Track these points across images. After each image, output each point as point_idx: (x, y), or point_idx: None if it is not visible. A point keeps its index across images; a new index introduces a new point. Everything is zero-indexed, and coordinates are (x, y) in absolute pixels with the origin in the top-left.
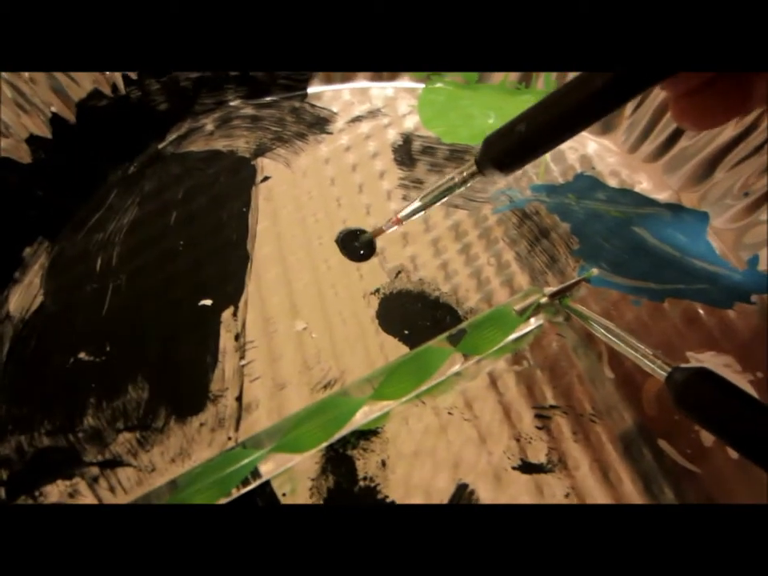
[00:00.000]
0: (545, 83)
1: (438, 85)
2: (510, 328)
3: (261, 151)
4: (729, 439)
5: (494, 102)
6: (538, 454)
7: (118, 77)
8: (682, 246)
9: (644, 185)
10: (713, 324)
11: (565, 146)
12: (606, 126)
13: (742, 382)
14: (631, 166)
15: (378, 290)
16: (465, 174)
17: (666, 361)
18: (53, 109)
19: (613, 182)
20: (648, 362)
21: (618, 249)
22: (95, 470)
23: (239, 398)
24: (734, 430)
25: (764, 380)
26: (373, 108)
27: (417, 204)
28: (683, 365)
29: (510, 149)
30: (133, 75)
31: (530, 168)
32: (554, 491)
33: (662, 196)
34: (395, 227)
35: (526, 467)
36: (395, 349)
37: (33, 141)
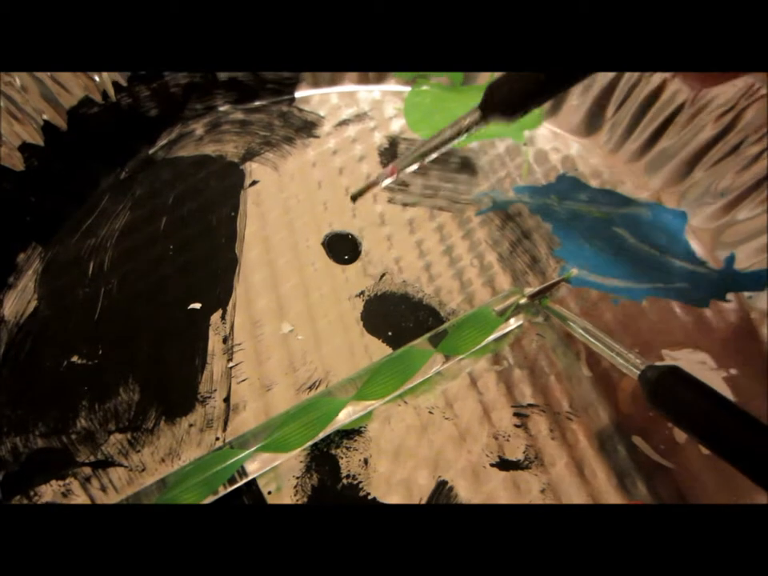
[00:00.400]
0: None
1: (424, 87)
2: (490, 329)
3: (249, 155)
4: (697, 435)
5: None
6: (516, 451)
7: (108, 84)
8: (661, 245)
9: (626, 185)
10: (690, 322)
11: (548, 147)
12: (588, 127)
13: (716, 378)
14: (613, 166)
15: (362, 293)
16: (468, 120)
17: (639, 359)
18: (44, 116)
19: (595, 183)
20: (622, 361)
21: (599, 249)
22: (88, 470)
23: (227, 399)
24: (701, 426)
25: (738, 376)
26: (360, 111)
27: (414, 154)
28: (656, 363)
29: (515, 91)
30: (123, 82)
31: (513, 170)
32: (531, 487)
33: (643, 195)
34: (390, 179)
35: (504, 464)
36: (379, 350)
37: (25, 148)
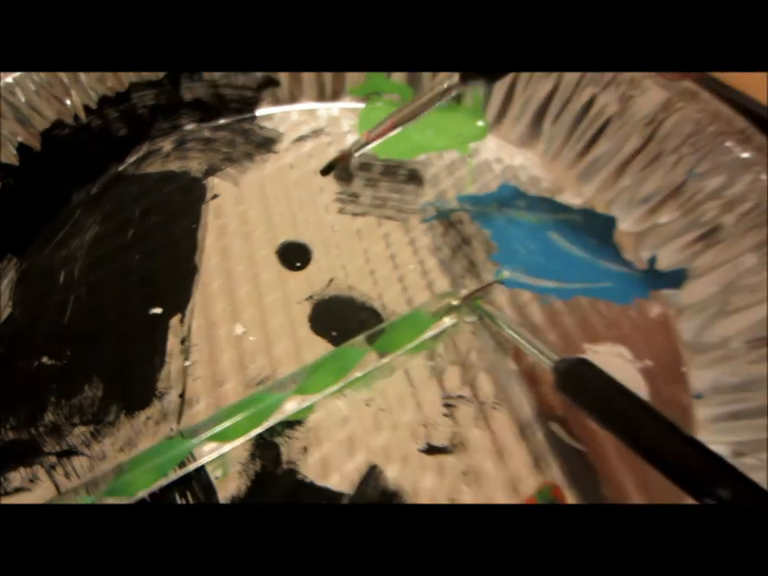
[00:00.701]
0: (473, 99)
1: (378, 104)
2: (423, 328)
3: (212, 171)
4: (598, 419)
5: (429, 118)
6: (442, 437)
7: (79, 107)
8: (591, 248)
9: (563, 192)
10: (612, 318)
11: (491, 158)
12: (529, 139)
13: (632, 370)
14: (551, 175)
15: (311, 297)
16: (447, 84)
17: (555, 353)
18: (19, 139)
19: (535, 191)
20: (540, 355)
21: (533, 253)
22: (53, 459)
23: (182, 395)
24: (601, 411)
25: (652, 368)
26: (317, 127)
27: (386, 121)
28: (567, 356)
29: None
30: (93, 105)
31: (457, 180)
32: (454, 470)
33: (578, 202)
34: (364, 148)
35: (431, 450)
36: (324, 349)
37: (1, 168)
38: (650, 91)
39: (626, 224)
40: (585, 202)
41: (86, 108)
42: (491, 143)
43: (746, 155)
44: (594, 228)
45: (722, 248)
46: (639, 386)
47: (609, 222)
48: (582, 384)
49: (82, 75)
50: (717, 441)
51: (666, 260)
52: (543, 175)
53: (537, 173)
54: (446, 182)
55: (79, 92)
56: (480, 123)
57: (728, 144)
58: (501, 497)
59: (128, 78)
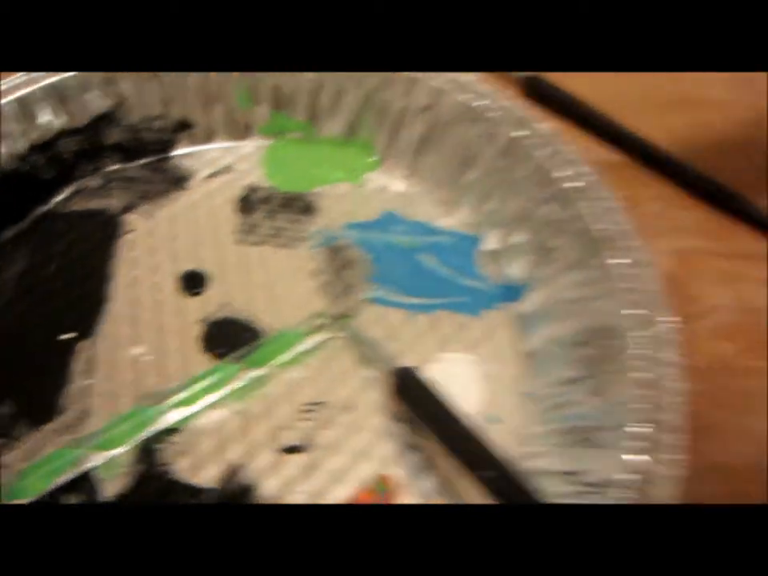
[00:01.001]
0: (369, 133)
1: (283, 142)
2: (295, 343)
3: (129, 208)
4: (418, 419)
5: (327, 153)
6: (298, 438)
7: (10, 156)
8: (455, 266)
9: (439, 217)
10: (466, 329)
11: (379, 188)
12: (412, 170)
13: (475, 373)
14: (431, 201)
15: (205, 319)
16: None
17: (398, 363)
18: None
19: (415, 217)
20: (386, 365)
21: (405, 273)
22: None
23: (83, 410)
24: (419, 413)
25: (493, 371)
26: (227, 165)
27: None
28: (401, 366)
29: None
30: (22, 153)
31: (347, 209)
32: (304, 465)
33: (451, 223)
34: None
35: (287, 449)
36: (211, 365)
37: None
38: (506, 127)
39: (487, 244)
40: (457, 224)
41: (16, 156)
42: (380, 174)
43: (576, 185)
44: (460, 248)
45: (555, 266)
46: (481, 388)
47: (473, 242)
48: (407, 389)
49: (14, 126)
50: (542, 431)
51: (515, 275)
52: (423, 201)
53: (418, 200)
54: (336, 211)
55: (8, 142)
56: (373, 158)
57: (562, 176)
58: (341, 488)
59: (53, 129)
